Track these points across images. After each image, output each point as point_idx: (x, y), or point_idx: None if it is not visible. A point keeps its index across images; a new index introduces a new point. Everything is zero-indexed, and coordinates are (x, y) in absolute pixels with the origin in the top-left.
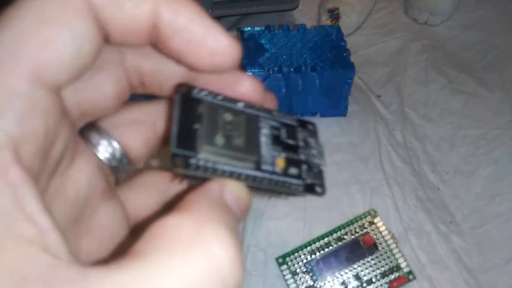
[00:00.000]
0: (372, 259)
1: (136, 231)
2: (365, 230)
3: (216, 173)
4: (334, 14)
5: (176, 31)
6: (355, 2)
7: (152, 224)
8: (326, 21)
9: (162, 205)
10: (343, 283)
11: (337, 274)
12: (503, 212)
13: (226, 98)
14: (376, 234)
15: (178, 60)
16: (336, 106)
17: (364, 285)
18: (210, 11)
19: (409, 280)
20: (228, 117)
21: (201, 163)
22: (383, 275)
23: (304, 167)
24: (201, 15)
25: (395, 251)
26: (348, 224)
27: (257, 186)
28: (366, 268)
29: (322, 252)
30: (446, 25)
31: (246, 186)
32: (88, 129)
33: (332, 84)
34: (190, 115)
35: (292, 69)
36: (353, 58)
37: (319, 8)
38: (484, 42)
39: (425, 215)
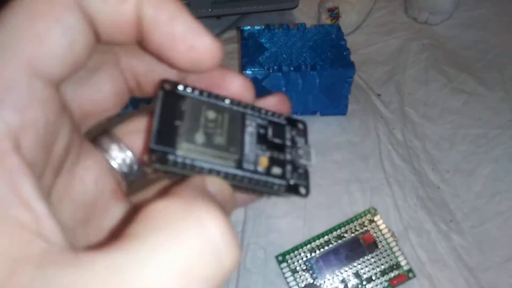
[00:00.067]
0: (372, 257)
1: None
2: (365, 228)
3: (195, 170)
4: (334, 13)
5: (157, 27)
6: (355, 1)
7: (143, 209)
8: (326, 20)
9: None
10: (343, 281)
11: (337, 272)
12: (503, 210)
13: (212, 95)
14: (376, 232)
15: (159, 56)
16: (336, 105)
17: (364, 283)
18: (210, 10)
19: (409, 278)
20: (211, 114)
21: (179, 159)
22: (383, 273)
23: (289, 167)
24: (183, 12)
25: (395, 249)
26: (348, 222)
27: (238, 185)
28: (366, 266)
29: (322, 250)
30: (446, 24)
31: (228, 184)
32: (100, 135)
33: (332, 83)
34: (172, 112)
35: (292, 68)
36: (353, 57)
37: (319, 7)
38: (484, 41)
39: (425, 213)
